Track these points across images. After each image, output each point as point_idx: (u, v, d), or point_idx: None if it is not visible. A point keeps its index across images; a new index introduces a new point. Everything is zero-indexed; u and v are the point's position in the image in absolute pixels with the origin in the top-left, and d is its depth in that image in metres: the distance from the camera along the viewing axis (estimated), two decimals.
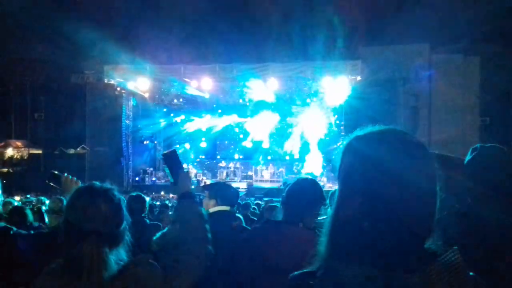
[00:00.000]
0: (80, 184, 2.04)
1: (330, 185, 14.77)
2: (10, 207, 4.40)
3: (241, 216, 3.49)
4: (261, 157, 18.28)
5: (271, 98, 16.76)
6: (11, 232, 3.13)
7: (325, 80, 15.01)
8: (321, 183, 14.78)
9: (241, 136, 18.85)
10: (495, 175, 1.55)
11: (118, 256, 1.38)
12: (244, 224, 3.18)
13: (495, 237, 1.43)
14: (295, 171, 17.19)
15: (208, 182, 9.61)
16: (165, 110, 19.11)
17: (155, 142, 19.38)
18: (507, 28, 14.15)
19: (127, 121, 17.17)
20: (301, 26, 16.05)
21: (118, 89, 16.35)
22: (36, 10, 16.16)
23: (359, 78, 14.76)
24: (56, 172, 2.18)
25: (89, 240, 1.30)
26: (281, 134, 18.44)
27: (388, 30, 15.34)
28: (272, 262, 1.95)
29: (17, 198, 9.43)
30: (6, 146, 22.81)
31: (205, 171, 18.31)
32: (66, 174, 2.17)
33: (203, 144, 19.45)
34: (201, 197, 3.02)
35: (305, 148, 17.66)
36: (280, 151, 18.46)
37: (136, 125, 17.78)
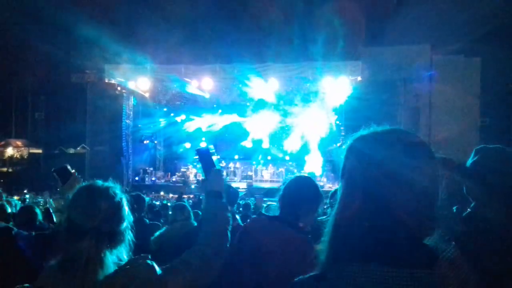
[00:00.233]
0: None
1: (330, 185, 14.78)
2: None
3: (237, 217, 3.50)
4: (260, 157, 18.27)
5: (271, 98, 16.75)
6: (13, 233, 3.14)
7: (325, 80, 15.02)
8: (321, 183, 14.91)
9: (241, 136, 18.86)
10: (501, 177, 1.54)
11: (118, 255, 1.37)
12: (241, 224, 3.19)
13: (501, 240, 1.43)
14: (295, 171, 17.17)
15: None
16: (165, 109, 19.11)
17: (155, 141, 19.38)
18: (508, 28, 14.14)
19: (127, 121, 17.17)
20: (302, 26, 16.02)
21: (119, 88, 16.35)
22: (37, 9, 16.15)
23: (359, 78, 14.76)
24: (69, 167, 2.15)
25: (88, 238, 1.29)
26: (281, 134, 18.43)
27: (389, 31, 15.33)
28: (258, 255, 1.98)
29: (16, 197, 9.43)
30: (6, 146, 22.78)
31: None
32: (77, 174, 2.16)
33: (203, 144, 19.41)
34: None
35: (305, 148, 17.65)
36: (280, 154, 18.43)
37: (136, 124, 17.78)
